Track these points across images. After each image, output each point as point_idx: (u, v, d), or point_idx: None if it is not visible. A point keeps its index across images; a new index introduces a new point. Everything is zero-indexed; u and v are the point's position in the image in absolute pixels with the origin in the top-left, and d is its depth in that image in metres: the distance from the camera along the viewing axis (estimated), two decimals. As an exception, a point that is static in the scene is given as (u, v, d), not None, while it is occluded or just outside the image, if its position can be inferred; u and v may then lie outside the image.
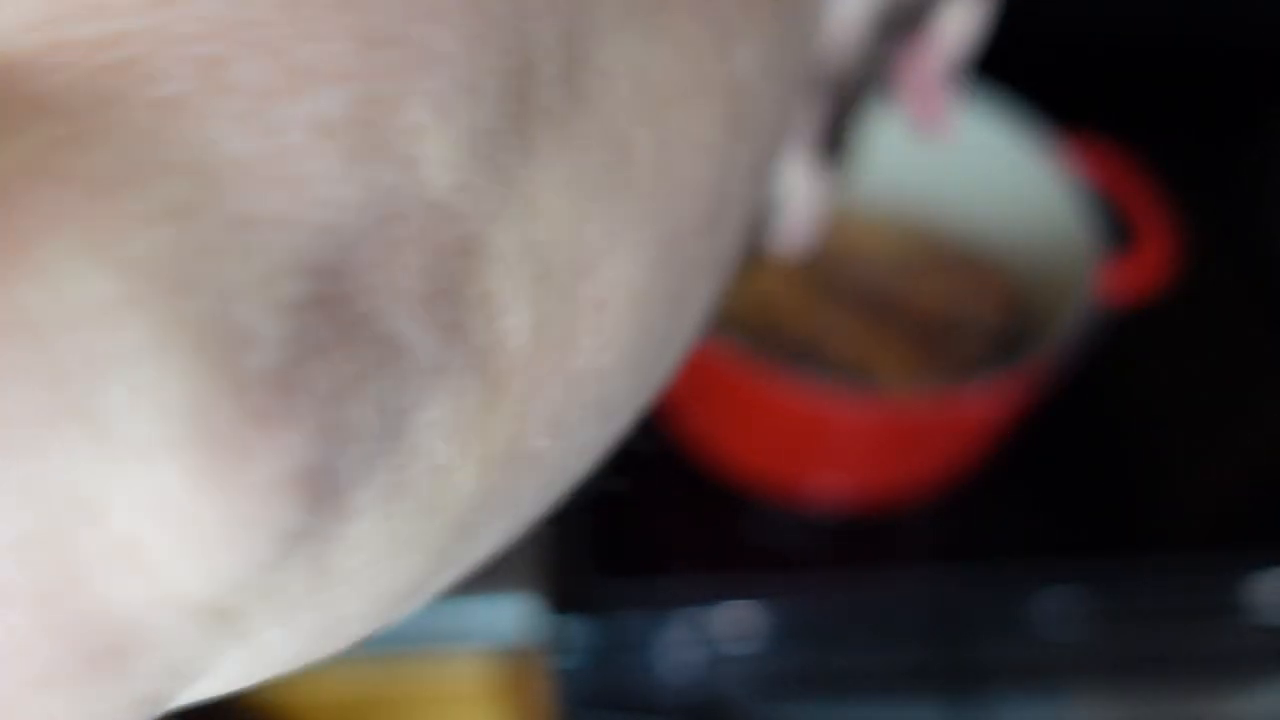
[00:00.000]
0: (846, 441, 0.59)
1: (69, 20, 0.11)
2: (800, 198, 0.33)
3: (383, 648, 0.60)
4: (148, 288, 0.10)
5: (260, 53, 0.12)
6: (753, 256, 0.33)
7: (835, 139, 0.35)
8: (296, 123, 0.11)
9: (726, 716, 0.67)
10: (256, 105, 0.11)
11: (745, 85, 0.17)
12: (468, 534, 0.15)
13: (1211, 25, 1.05)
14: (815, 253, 0.69)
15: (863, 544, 0.65)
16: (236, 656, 0.12)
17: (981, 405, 0.56)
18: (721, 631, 0.61)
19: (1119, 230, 0.68)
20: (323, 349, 0.11)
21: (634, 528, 0.64)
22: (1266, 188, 0.89)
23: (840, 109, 0.34)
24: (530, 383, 0.14)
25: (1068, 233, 0.63)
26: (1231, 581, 0.64)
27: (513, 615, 0.59)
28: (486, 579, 0.61)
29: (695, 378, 0.60)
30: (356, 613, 0.14)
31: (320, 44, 0.12)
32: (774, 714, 0.69)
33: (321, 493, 0.11)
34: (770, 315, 0.66)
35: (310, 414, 0.11)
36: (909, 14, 0.34)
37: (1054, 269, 0.65)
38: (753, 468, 0.65)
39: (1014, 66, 0.99)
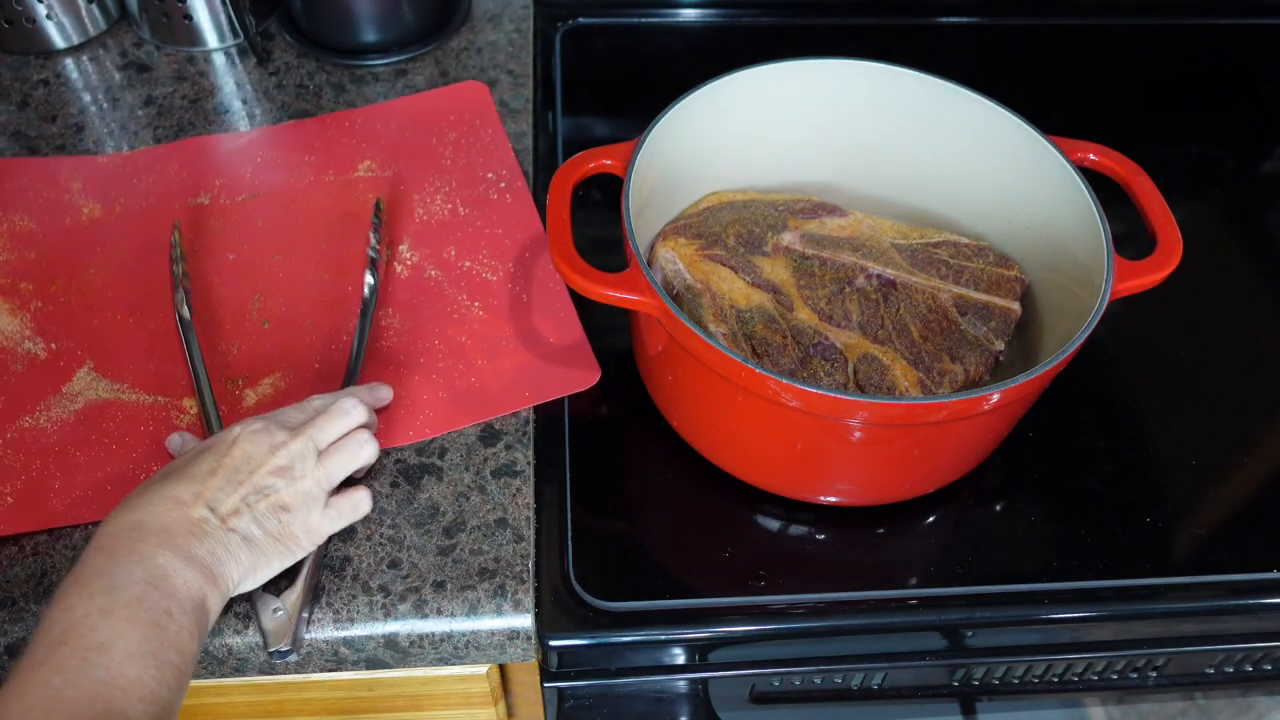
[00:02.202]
0: (855, 443, 0.58)
1: None
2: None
3: (384, 659, 0.59)
4: None
5: None
6: None
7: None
8: None
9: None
10: None
11: None
12: None
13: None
14: (829, 247, 0.69)
15: (870, 546, 0.64)
16: None
17: (999, 406, 0.55)
18: (721, 641, 0.60)
19: (1130, 227, 0.68)
20: None
21: (634, 533, 0.64)
22: (1267, 187, 0.88)
23: None
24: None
25: (1082, 228, 0.63)
26: (1245, 592, 0.63)
27: (508, 629, 0.59)
28: (483, 592, 0.61)
29: (699, 378, 0.60)
30: None
31: None
32: None
33: None
34: (782, 310, 0.65)
35: None
36: None
37: (1069, 263, 0.65)
38: (758, 470, 0.64)
39: (1028, 70, 0.99)
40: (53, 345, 0.69)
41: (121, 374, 0.68)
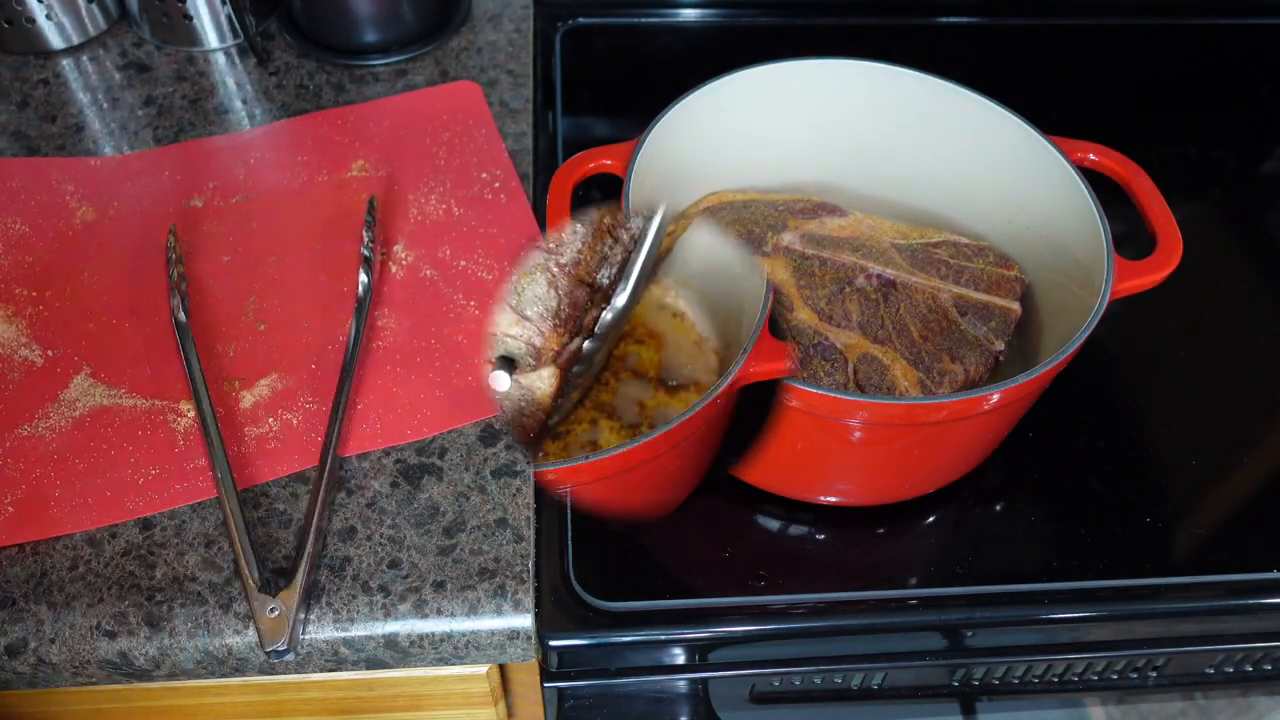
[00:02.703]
0: (855, 443, 0.58)
1: None
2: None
3: (384, 659, 0.59)
4: None
5: None
6: None
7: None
8: None
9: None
10: None
11: None
12: None
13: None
14: (829, 247, 0.69)
15: (870, 546, 0.64)
16: None
17: (999, 406, 0.55)
18: (721, 640, 0.60)
19: (1130, 227, 0.67)
20: None
21: (634, 533, 0.64)
22: (1266, 187, 0.88)
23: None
24: None
25: (1082, 228, 0.63)
26: (1245, 592, 0.63)
27: (508, 629, 0.59)
28: (483, 592, 0.61)
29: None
30: None
31: None
32: None
33: None
34: (782, 310, 0.65)
35: None
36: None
37: (1069, 263, 0.65)
38: (758, 470, 0.64)
39: (1028, 70, 0.99)
40: (49, 351, 0.69)
41: (118, 379, 0.68)
